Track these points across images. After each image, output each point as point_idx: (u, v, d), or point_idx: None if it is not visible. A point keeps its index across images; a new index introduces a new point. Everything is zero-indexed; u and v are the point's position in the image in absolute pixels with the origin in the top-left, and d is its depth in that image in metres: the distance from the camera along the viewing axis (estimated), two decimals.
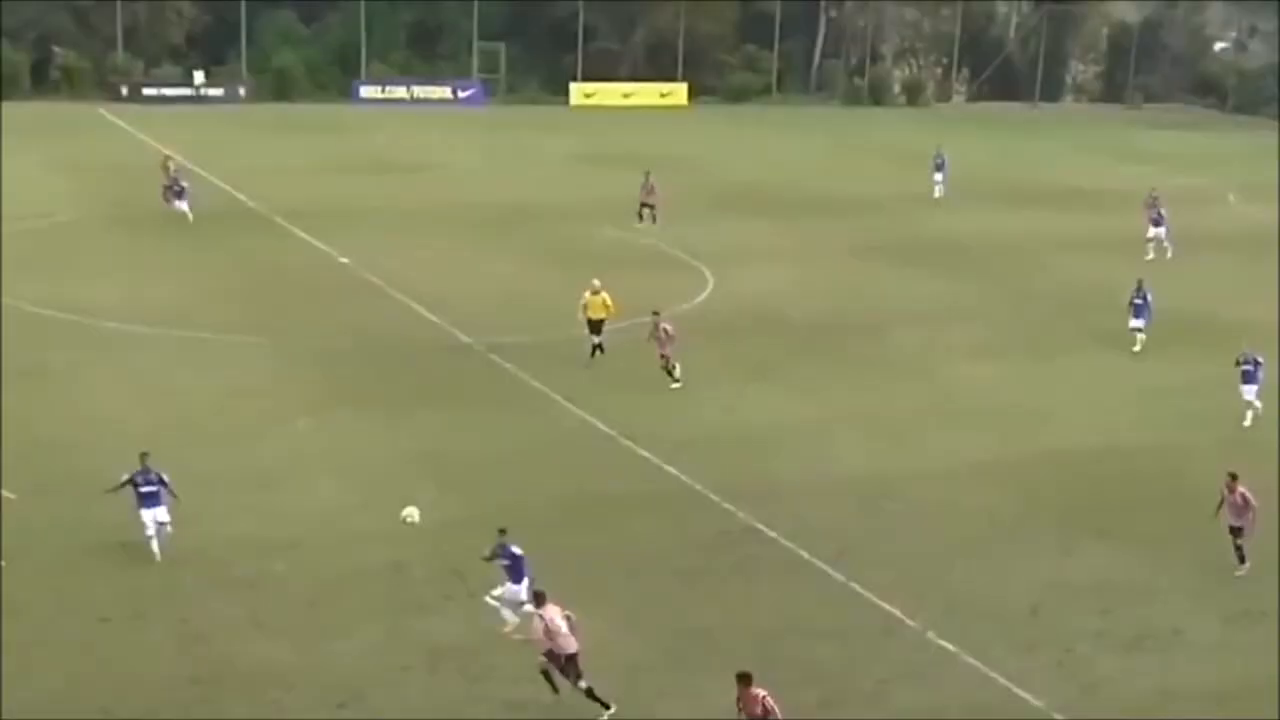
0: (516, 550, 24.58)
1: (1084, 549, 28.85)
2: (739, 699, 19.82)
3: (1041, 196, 73.28)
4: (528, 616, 23.52)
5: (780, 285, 51.16)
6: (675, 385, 38.11)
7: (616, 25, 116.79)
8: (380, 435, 34.27)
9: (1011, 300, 50.57)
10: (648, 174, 60.48)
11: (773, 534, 29.15)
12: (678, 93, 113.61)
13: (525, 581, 24.25)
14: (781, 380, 39.91)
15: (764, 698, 19.73)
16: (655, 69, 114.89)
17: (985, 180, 77.46)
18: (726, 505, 30.51)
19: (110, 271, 49.40)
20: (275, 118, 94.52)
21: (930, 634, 25.07)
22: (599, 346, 39.91)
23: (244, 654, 23.50)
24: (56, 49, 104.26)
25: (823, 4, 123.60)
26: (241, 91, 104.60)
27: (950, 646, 24.64)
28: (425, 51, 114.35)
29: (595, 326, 39.84)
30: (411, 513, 24.81)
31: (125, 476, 27.12)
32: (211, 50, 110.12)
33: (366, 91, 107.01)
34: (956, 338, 45.00)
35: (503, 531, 24.76)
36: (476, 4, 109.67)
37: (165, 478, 27.16)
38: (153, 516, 26.89)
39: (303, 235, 56.53)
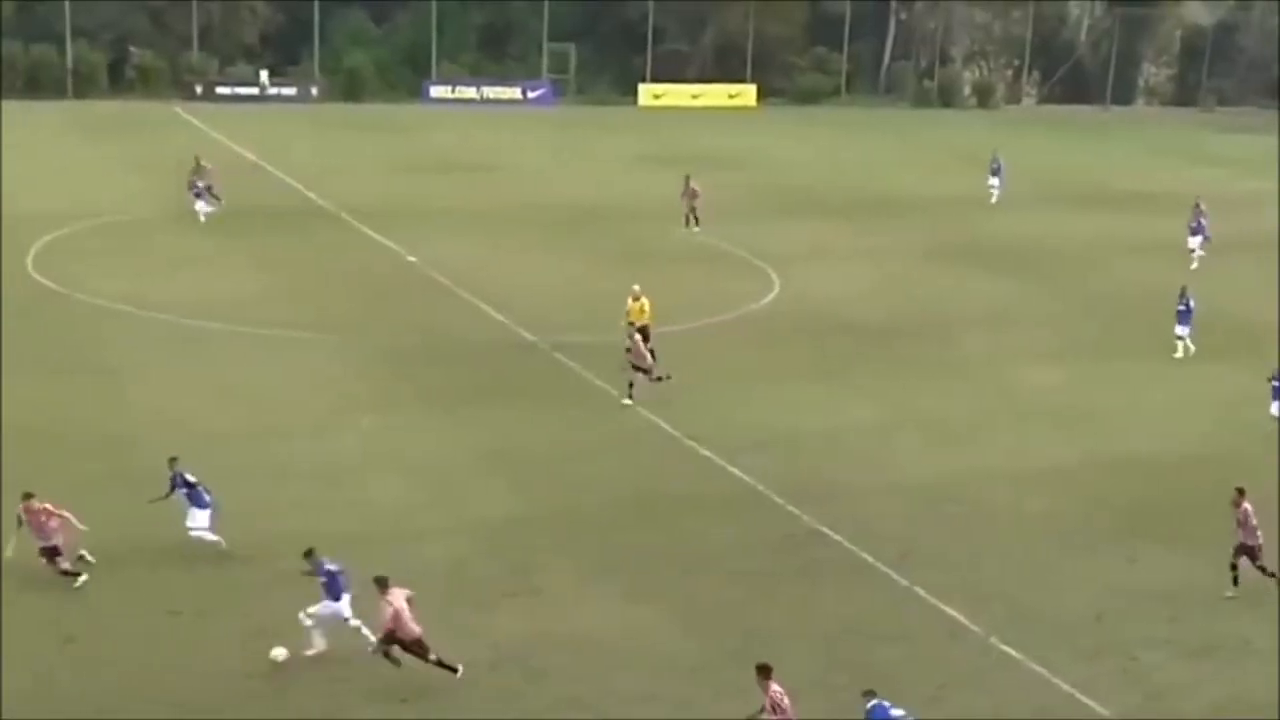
0: (331, 566, 23.79)
1: (1150, 556, 28.64)
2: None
3: (1111, 200, 72.78)
4: (352, 631, 23.36)
5: (846, 287, 51.05)
6: (626, 402, 36.61)
7: (686, 26, 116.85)
8: (445, 432, 34.47)
9: (1078, 304, 50.25)
10: (687, 178, 60.29)
11: (836, 537, 29.12)
12: (746, 94, 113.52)
13: (346, 598, 23.67)
14: (846, 382, 39.83)
15: (778, 693, 19.79)
16: (724, 70, 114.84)
17: (1054, 183, 77.02)
18: (790, 507, 30.50)
19: (182, 268, 49.91)
20: (346, 117, 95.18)
21: (993, 639, 24.97)
22: (650, 351, 39.47)
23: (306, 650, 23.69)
24: (133, 49, 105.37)
25: (892, 6, 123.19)
26: (313, 91, 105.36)
27: (1013, 652, 24.54)
28: (495, 52, 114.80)
29: (642, 331, 39.56)
30: (279, 653, 23.24)
31: (167, 488, 27.35)
32: (284, 50, 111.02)
33: (436, 92, 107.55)
34: (1022, 341, 44.78)
35: (309, 553, 23.96)
36: (547, 5, 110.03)
37: (190, 478, 27.24)
38: (194, 518, 27.19)
39: (372, 234, 56.90)
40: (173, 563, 26.71)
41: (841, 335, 44.59)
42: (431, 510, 29.84)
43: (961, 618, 25.70)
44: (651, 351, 38.87)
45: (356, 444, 33.53)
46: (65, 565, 25.54)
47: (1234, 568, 26.92)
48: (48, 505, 25.63)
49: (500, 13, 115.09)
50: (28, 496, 25.66)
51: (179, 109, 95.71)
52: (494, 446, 33.66)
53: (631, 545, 28.41)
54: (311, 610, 23.58)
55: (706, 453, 33.50)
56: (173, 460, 27.54)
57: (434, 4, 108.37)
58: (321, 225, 58.82)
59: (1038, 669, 23.99)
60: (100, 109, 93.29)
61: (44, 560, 25.51)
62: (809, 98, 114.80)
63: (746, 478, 32.05)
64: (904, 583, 27.08)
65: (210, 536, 27.19)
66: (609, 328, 40.57)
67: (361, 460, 32.48)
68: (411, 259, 52.49)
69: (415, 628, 22.83)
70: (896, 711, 20.42)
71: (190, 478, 27.26)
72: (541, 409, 36.15)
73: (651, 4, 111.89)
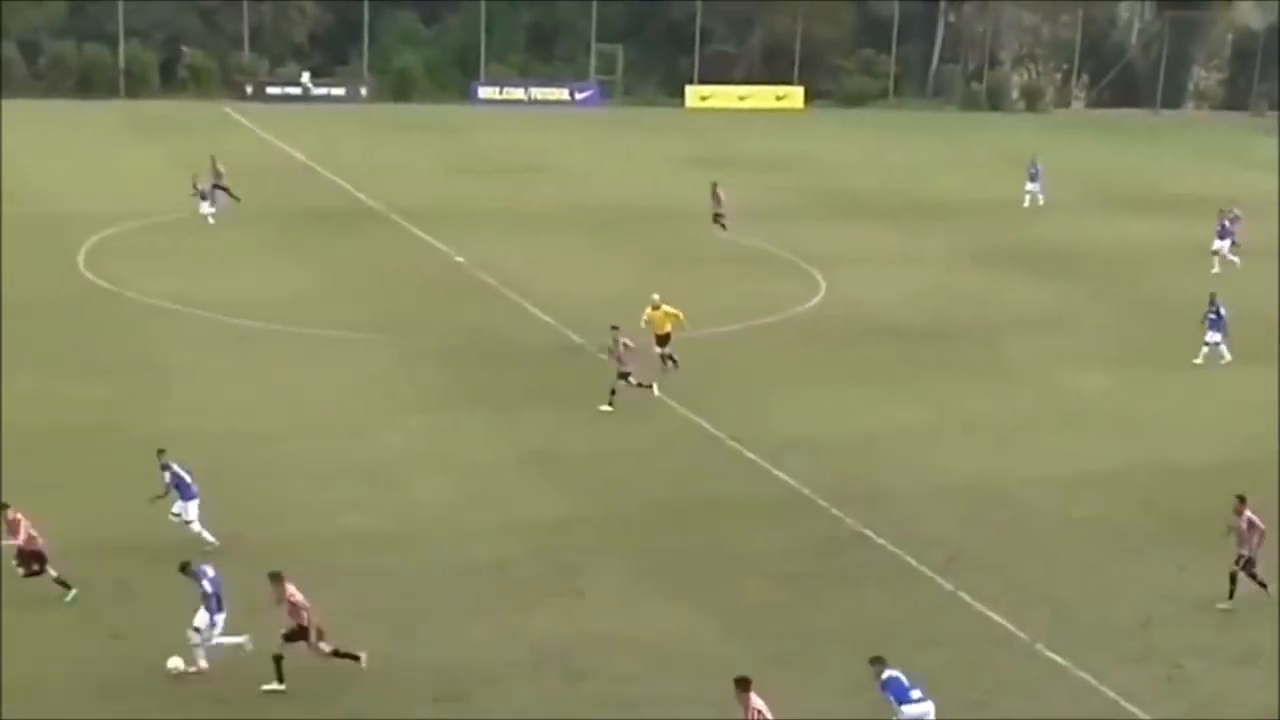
0: (210, 578, 23.30)
1: (1197, 563, 28.38)
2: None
3: (1160, 204, 72.28)
4: (232, 649, 23.04)
5: (893, 290, 50.93)
6: (606, 408, 36.04)
7: (734, 28, 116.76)
8: (491, 433, 34.59)
9: (1126, 308, 49.98)
10: (714, 185, 60.15)
11: (880, 540, 29.07)
12: (793, 96, 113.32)
13: (222, 615, 23.16)
14: (892, 385, 39.74)
15: (758, 709, 19.72)
16: (771, 72, 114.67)
17: (1103, 187, 76.61)
18: (834, 510, 30.47)
19: (231, 267, 50.23)
20: (395, 117, 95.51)
21: (1039, 645, 24.88)
22: (669, 358, 39.23)
23: (350, 645, 23.79)
24: (184, 49, 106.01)
25: (941, 8, 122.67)
26: (362, 91, 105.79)
27: (1059, 659, 24.44)
28: (543, 53, 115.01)
29: (661, 340, 39.39)
30: (176, 664, 22.88)
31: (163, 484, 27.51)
32: (334, 50, 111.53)
33: (485, 93, 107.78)
34: (1069, 345, 44.59)
35: (184, 566, 23.52)
36: (595, 6, 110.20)
37: (178, 469, 27.39)
38: (186, 507, 27.37)
39: (420, 234, 57.12)
40: (221, 559, 26.81)
41: (887, 338, 44.49)
42: (476, 510, 29.95)
43: (1007, 623, 25.63)
44: (670, 358, 38.71)
45: (405, 443, 33.68)
46: (54, 574, 25.16)
47: (1233, 577, 26.59)
48: (20, 515, 25.11)
49: (548, 14, 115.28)
50: (3, 507, 25.14)
51: (229, 109, 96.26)
52: (539, 447, 33.75)
53: (675, 547, 28.44)
54: (196, 622, 23.04)
55: (751, 455, 33.50)
56: (161, 452, 27.70)
57: (483, 5, 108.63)
58: (370, 225, 59.07)
59: (1083, 675, 23.89)
60: (152, 109, 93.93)
61: (23, 568, 25.03)
62: (856, 100, 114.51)
63: (790, 480, 32.03)
64: (949, 587, 27.02)
65: (196, 528, 27.28)
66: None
67: (409, 459, 32.63)
68: (459, 259, 52.68)
69: (311, 615, 22.83)
70: (915, 693, 20.60)
71: (178, 469, 27.40)
72: (587, 411, 36.18)
73: (699, 5, 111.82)
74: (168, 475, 27.35)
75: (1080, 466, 33.85)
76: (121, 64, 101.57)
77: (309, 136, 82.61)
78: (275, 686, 22.54)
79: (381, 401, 36.60)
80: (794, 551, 28.49)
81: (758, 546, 28.66)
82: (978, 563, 28.18)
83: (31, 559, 25.06)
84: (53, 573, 25.15)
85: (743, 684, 19.85)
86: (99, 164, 70.92)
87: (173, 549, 26.84)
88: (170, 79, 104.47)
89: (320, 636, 22.89)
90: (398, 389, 37.66)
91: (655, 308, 39.43)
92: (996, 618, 25.82)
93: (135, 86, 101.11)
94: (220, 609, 23.09)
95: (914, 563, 28.03)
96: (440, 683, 22.92)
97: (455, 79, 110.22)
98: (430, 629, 24.70)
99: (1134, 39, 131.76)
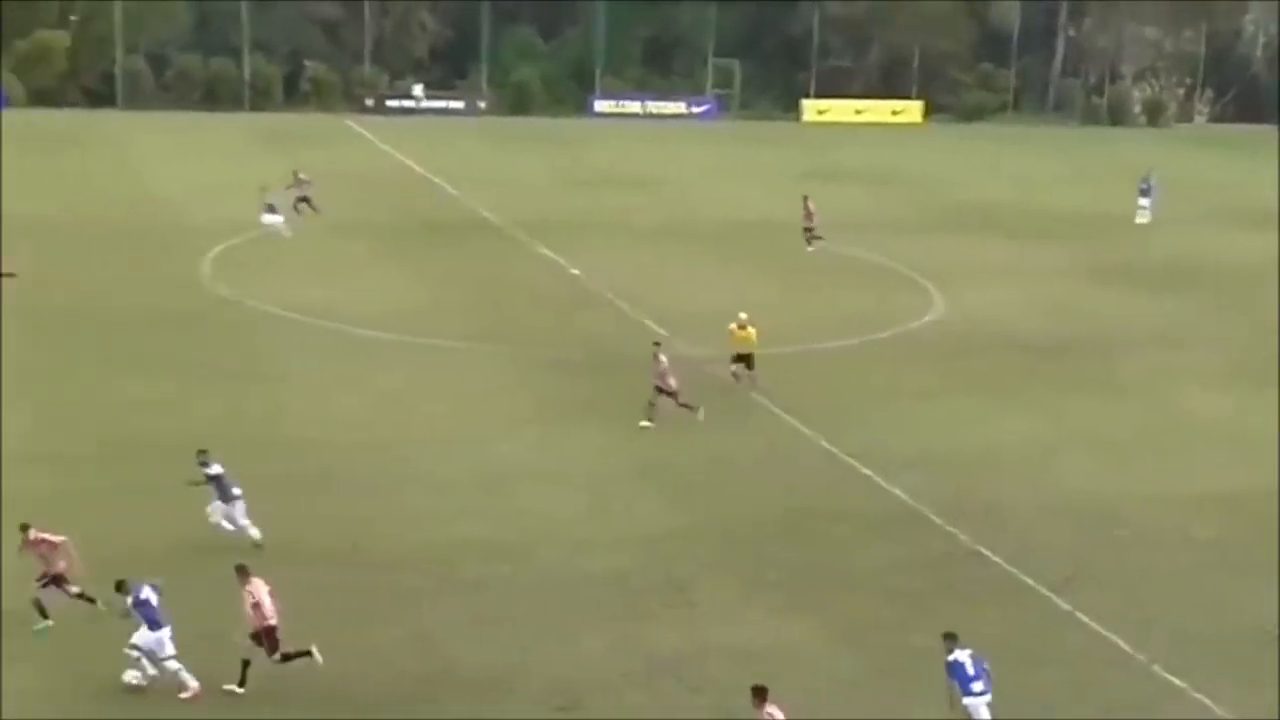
0: (146, 595, 22.83)
1: None
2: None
3: None
4: (170, 673, 22.60)
5: (1009, 304, 50.53)
6: (646, 424, 35.84)
7: (851, 43, 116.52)
8: (605, 444, 34.75)
9: (1246, 326, 49.11)
10: (805, 199, 59.92)
11: (995, 558, 28.86)
12: (910, 110, 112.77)
13: (166, 630, 22.72)
14: (1007, 400, 39.41)
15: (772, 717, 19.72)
16: (889, 86, 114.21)
17: (1224, 203, 75.39)
18: (948, 526, 30.30)
19: (350, 278, 50.87)
20: (512, 130, 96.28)
21: (1156, 666, 24.58)
22: (747, 376, 38.77)
23: (467, 655, 24.05)
24: (307, 62, 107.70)
25: (1061, 22, 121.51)
26: (480, 104, 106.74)
27: (1176, 680, 24.12)
28: (660, 67, 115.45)
29: (744, 359, 38.96)
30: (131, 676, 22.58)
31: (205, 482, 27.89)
32: (453, 64, 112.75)
33: (601, 106, 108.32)
34: (1189, 362, 43.98)
35: (120, 584, 23.02)
36: (714, 21, 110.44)
37: (218, 471, 27.74)
38: (222, 507, 27.78)
39: (535, 246, 57.52)
40: (344, 566, 27.25)
41: (1003, 353, 44.14)
42: (590, 521, 30.12)
43: (1123, 643, 25.34)
44: (748, 376, 38.39)
45: (517, 454, 33.94)
46: (74, 590, 24.78)
47: None
48: (45, 535, 24.84)
49: (666, 29, 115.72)
50: (25, 528, 24.90)
51: (350, 121, 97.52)
52: (653, 460, 33.86)
53: (787, 561, 28.43)
54: (134, 640, 22.71)
55: (864, 469, 33.40)
56: (201, 452, 28.04)
57: (601, 19, 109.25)
58: (486, 237, 59.59)
59: (1201, 698, 23.57)
60: (275, 121, 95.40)
61: (47, 587, 24.60)
62: (975, 114, 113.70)
63: (904, 495, 31.90)
64: (1065, 606, 26.75)
65: (228, 527, 27.62)
66: (768, 342, 40.48)
67: (521, 470, 32.87)
68: (574, 272, 52.99)
69: (272, 615, 22.86)
70: (977, 685, 20.83)
71: (218, 470, 27.75)
72: (700, 423, 36.24)
73: (816, 20, 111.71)
74: (206, 474, 27.70)
75: (1202, 486, 33.36)
76: (246, 77, 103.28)
77: (427, 149, 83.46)
78: (234, 688, 22.59)
79: (496, 412, 36.90)
80: (906, 567, 28.36)
81: (869, 561, 28.57)
82: (1094, 582, 27.87)
83: (53, 581, 24.62)
84: (73, 589, 24.77)
85: (759, 693, 19.91)
86: (223, 175, 72.11)
87: (299, 553, 27.29)
88: (293, 92, 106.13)
89: (267, 638, 22.77)
90: (512, 400, 37.96)
91: (741, 327, 39.26)
92: (1113, 637, 25.53)
93: (259, 99, 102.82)
94: (156, 627, 22.63)
95: (1029, 581, 27.78)
96: (555, 692, 23.06)
97: (572, 92, 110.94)
98: (545, 638, 24.86)
99: (1259, 53, 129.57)
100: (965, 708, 20.95)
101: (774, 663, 24.13)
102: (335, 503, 29.87)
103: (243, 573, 23.19)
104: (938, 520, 30.62)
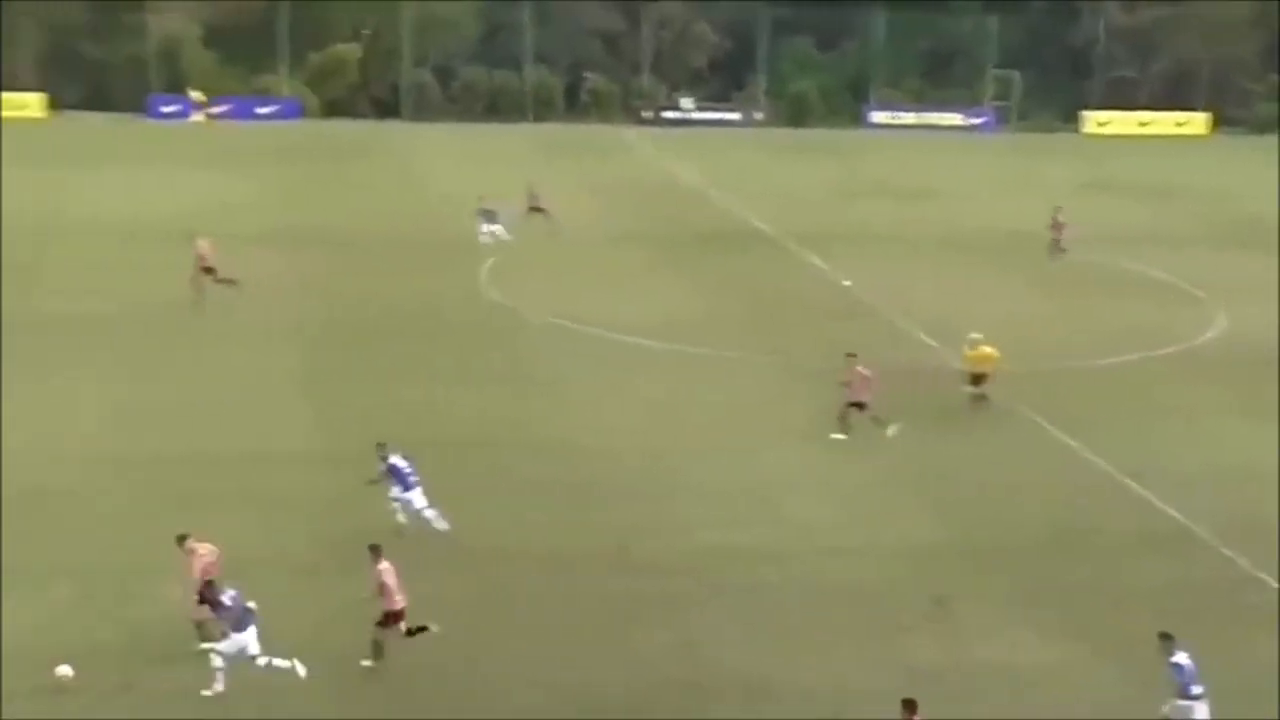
0: (230, 595, 22.85)
1: None
2: None
3: None
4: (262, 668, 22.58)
5: None
6: (839, 436, 35.51)
7: (1136, 53, 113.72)
8: (873, 455, 34.65)
9: None
10: (1057, 210, 58.59)
11: (1275, 584, 27.98)
12: (1195, 122, 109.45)
13: (252, 630, 22.72)
14: None
15: None
16: (1175, 98, 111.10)
17: None
18: (1226, 550, 29.49)
19: (622, 287, 51.65)
20: (787, 141, 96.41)
21: None
22: (981, 397, 38.25)
23: (731, 662, 24.23)
24: (587, 74, 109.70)
25: None
26: (757, 115, 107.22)
27: None
28: (938, 78, 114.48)
29: (977, 379, 38.33)
30: (65, 671, 22.50)
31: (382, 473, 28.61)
32: (731, 76, 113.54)
33: (877, 117, 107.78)
34: None
35: (209, 583, 23.16)
36: (995, 32, 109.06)
37: (396, 461, 28.40)
38: (407, 496, 28.37)
39: (808, 257, 57.58)
40: (611, 571, 27.74)
41: None
42: (855, 532, 30.14)
43: None
44: (982, 395, 37.65)
45: (787, 463, 34.07)
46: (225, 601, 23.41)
47: None
48: (202, 549, 24.10)
49: (945, 40, 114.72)
50: (183, 539, 24.31)
51: (627, 132, 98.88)
52: (919, 472, 33.68)
53: (1053, 578, 28.03)
54: (219, 646, 22.77)
55: (1139, 489, 32.69)
56: (380, 445, 28.76)
57: (880, 30, 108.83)
58: (758, 248, 59.87)
59: None
60: (555, 132, 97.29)
61: (202, 603, 23.65)
62: (1268, 126, 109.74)
63: (1180, 516, 31.13)
64: None
65: (401, 519, 28.21)
66: (1040, 357, 39.97)
67: (788, 480, 33.02)
68: (846, 283, 52.90)
69: (401, 599, 23.31)
70: (1196, 689, 20.94)
71: (396, 460, 28.43)
72: (971, 437, 35.96)
73: (1102, 28, 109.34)
74: (384, 465, 28.45)
75: None
76: (528, 89, 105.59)
77: (702, 160, 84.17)
78: (369, 663, 23.27)
79: (766, 422, 37.07)
80: (1179, 589, 27.65)
81: (1141, 581, 27.97)
82: None
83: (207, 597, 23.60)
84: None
85: (909, 706, 19.82)
86: (504, 185, 73.71)
87: (571, 557, 27.92)
88: (574, 103, 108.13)
89: (392, 621, 23.35)
90: (782, 410, 38.08)
91: (973, 347, 38.60)
92: None
93: (541, 110, 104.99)
94: (240, 628, 22.63)
95: None
96: (817, 701, 23.16)
97: (847, 103, 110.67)
98: (807, 647, 24.97)
99: None
100: (1183, 708, 20.92)
101: (1038, 681, 23.92)
102: (605, 509, 30.44)
103: (375, 553, 23.72)
104: (1215, 542, 29.81)
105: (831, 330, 46.27)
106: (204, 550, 24.04)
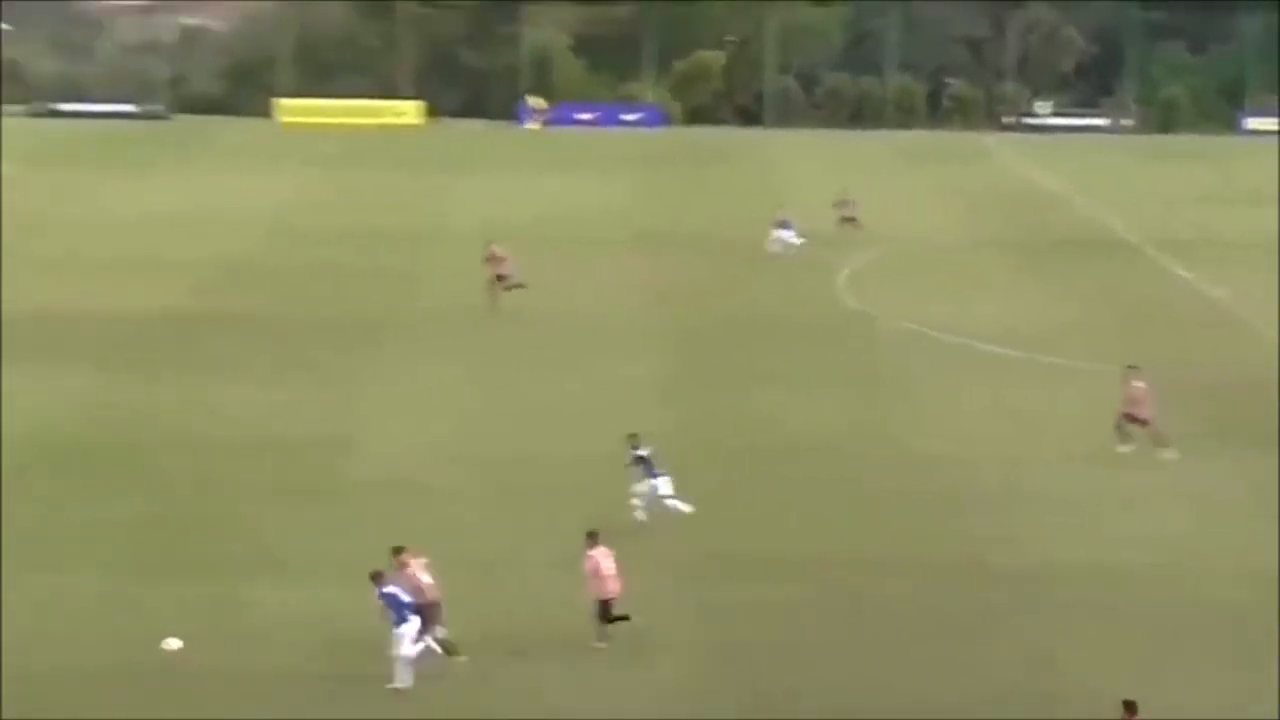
0: (390, 590, 22.50)
1: None
2: None
3: None
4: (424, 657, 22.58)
5: None
6: (1124, 449, 34.33)
7: None
8: (1238, 472, 33.61)
9: None
10: None
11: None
12: None
13: (413, 621, 22.37)
14: None
15: None
16: None
17: None
18: None
19: (981, 295, 51.29)
20: (1156, 148, 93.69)
21: None
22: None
23: (1085, 678, 23.66)
24: (950, 80, 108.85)
25: None
26: (1125, 121, 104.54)
27: None
28: None
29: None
30: (174, 644, 22.57)
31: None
32: (1098, 80, 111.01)
33: (1252, 123, 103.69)
34: None
35: (375, 576, 22.72)
36: None
37: (643, 454, 29.08)
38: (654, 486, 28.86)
39: (1172, 267, 56.12)
40: (968, 581, 27.53)
41: None
42: (1216, 551, 29.21)
43: None
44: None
45: (1149, 477, 33.33)
46: (440, 634, 23.35)
47: None
48: (414, 565, 23.42)
49: None
50: (398, 551, 23.61)
51: (988, 139, 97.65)
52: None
53: None
54: (402, 651, 22.47)
55: None
56: (632, 436, 29.39)
57: (1256, 33, 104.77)
58: (1121, 256, 58.62)
59: None
60: (916, 139, 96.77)
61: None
62: None
63: None
64: None
65: (640, 515, 28.75)
66: None
67: (1152, 493, 32.34)
68: (1217, 294, 51.35)
69: (615, 586, 23.41)
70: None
71: (643, 453, 29.03)
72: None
73: None
74: (633, 455, 29.08)
75: None
76: (891, 95, 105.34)
77: (1067, 167, 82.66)
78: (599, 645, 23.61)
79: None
80: None
81: None
82: None
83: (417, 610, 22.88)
84: (437, 634, 23.35)
85: (1130, 707, 19.33)
86: (865, 192, 73.87)
87: (869, 564, 28.02)
88: (936, 109, 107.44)
89: (603, 607, 23.55)
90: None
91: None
92: None
93: (904, 117, 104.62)
94: (403, 619, 22.43)
95: None
96: None
97: (1221, 109, 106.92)
98: (1162, 667, 24.21)
99: None
100: None
101: None
102: (961, 517, 30.39)
103: (591, 539, 24.08)
104: None
105: (1199, 341, 45.05)
106: (415, 563, 23.45)
